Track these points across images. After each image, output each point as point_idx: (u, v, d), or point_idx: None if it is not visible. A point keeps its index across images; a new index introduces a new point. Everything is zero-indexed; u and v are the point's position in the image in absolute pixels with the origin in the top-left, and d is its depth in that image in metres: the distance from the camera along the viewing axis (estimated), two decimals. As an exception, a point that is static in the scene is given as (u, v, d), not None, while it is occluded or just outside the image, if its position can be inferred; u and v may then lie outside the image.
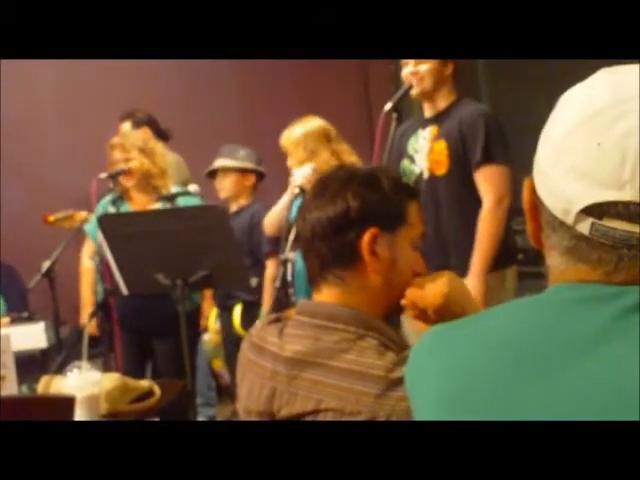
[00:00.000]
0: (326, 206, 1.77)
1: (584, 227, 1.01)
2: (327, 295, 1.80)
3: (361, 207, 1.75)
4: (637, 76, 1.02)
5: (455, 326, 1.14)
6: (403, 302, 1.80)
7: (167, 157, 5.22)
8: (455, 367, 1.07)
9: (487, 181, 3.79)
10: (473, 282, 3.76)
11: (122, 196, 4.51)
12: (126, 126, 5.41)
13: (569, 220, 1.02)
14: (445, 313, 1.76)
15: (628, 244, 0.99)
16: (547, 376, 0.99)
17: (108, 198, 4.50)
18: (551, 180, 1.04)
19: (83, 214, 4.83)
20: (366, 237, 1.74)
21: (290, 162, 4.27)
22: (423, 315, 1.80)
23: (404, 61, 3.98)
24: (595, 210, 0.99)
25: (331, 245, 1.77)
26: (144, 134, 5.29)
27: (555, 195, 1.04)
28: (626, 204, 0.98)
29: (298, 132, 4.27)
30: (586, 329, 0.99)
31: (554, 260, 1.07)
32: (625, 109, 0.99)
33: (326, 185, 1.81)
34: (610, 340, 0.98)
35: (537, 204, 1.09)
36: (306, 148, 4.23)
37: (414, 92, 3.96)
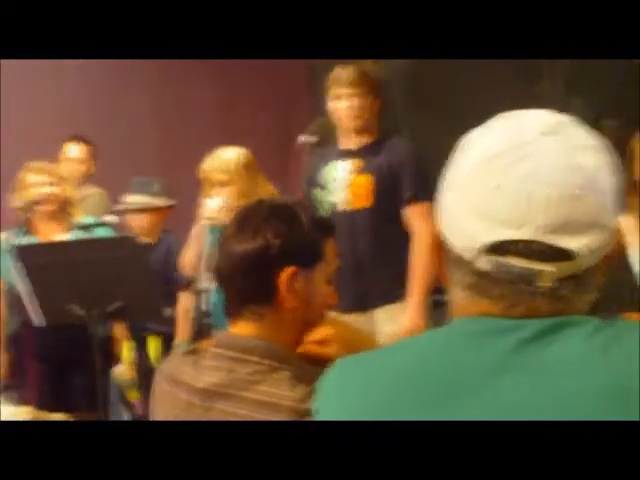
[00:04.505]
0: (246, 241, 1.77)
1: (486, 264, 1.05)
2: (244, 328, 1.81)
3: (280, 245, 1.76)
4: (534, 121, 1.08)
5: (360, 359, 1.16)
6: (299, 350, 1.83)
7: (90, 189, 5.21)
8: (360, 399, 1.09)
9: (419, 217, 3.90)
10: (413, 314, 3.84)
11: (27, 229, 4.38)
12: (72, 149, 5.43)
13: (471, 257, 1.06)
14: (344, 342, 1.82)
15: (527, 280, 1.03)
16: (448, 407, 1.02)
17: (6, 235, 4.34)
18: (454, 219, 1.08)
19: None
20: (285, 275, 1.75)
21: (227, 193, 4.10)
22: (322, 353, 1.83)
23: (334, 95, 4.03)
24: (496, 248, 1.04)
25: (249, 281, 1.77)
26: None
27: (458, 233, 1.08)
28: (524, 242, 1.02)
29: (238, 163, 4.18)
30: (484, 361, 1.03)
31: (456, 296, 1.11)
32: (523, 153, 1.03)
33: (246, 220, 1.81)
34: (506, 372, 1.01)
35: (441, 242, 1.12)
36: (248, 178, 4.19)
37: (350, 126, 4.01)
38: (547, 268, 1.02)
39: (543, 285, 1.03)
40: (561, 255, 1.03)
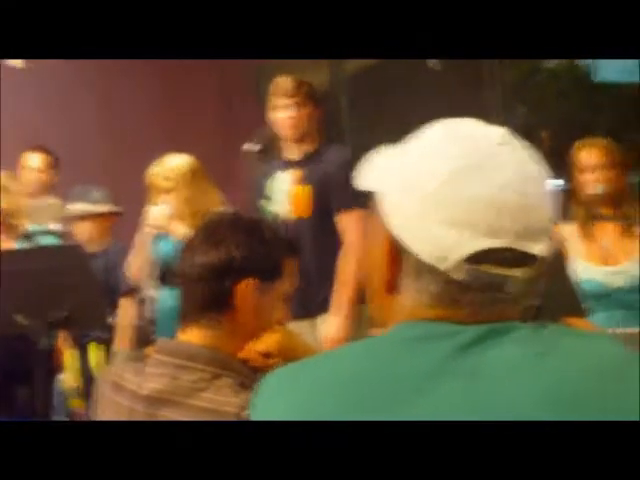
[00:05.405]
0: (211, 251, 1.81)
1: (459, 272, 1.06)
2: (195, 335, 1.83)
3: (243, 257, 1.80)
4: (485, 132, 1.11)
5: (299, 367, 1.16)
6: (240, 356, 1.85)
7: (50, 199, 5.17)
8: (299, 407, 1.09)
9: (349, 225, 3.91)
10: (337, 321, 3.83)
11: None
12: (33, 159, 5.35)
13: (445, 266, 1.06)
14: (287, 352, 1.85)
15: (496, 287, 1.06)
16: (386, 414, 1.02)
17: None
18: (423, 229, 1.07)
19: None
20: (243, 286, 1.79)
21: (173, 200, 4.11)
22: (264, 364, 1.84)
23: (276, 104, 4.04)
24: (472, 256, 1.05)
25: (210, 289, 1.81)
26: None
27: (428, 243, 1.07)
28: (497, 250, 1.05)
29: (183, 170, 4.17)
30: (422, 366, 1.04)
31: (411, 302, 1.10)
32: (499, 162, 1.07)
33: (213, 230, 1.86)
34: (441, 377, 1.02)
35: (397, 251, 1.11)
36: (194, 186, 4.17)
37: (288, 135, 4.02)
38: (516, 274, 1.06)
39: (512, 291, 1.06)
40: (526, 260, 1.06)
